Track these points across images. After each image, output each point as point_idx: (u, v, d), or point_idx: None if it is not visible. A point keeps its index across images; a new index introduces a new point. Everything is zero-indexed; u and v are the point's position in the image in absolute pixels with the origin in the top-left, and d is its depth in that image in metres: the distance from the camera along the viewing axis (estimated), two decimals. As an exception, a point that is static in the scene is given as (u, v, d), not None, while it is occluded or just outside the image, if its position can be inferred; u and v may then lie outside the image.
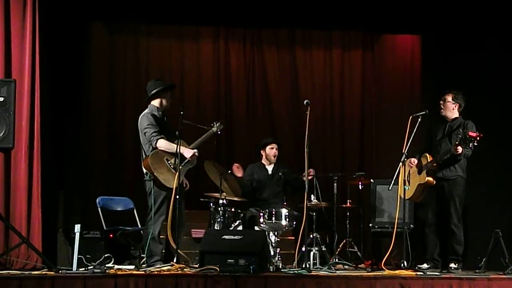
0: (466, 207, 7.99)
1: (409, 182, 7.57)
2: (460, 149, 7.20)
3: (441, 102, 7.65)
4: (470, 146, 7.09)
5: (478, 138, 7.02)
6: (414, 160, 7.60)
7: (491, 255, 7.49)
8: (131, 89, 9.85)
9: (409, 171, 7.59)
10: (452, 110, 7.62)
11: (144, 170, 7.17)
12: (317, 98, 10.03)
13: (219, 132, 7.53)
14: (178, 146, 7.06)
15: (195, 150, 7.21)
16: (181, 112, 7.11)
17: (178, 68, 10.03)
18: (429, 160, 7.49)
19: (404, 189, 7.33)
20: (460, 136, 7.24)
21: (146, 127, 7.16)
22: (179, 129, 7.08)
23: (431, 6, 8.95)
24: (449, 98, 7.61)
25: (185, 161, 7.13)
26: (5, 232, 7.32)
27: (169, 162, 7.12)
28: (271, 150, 8.74)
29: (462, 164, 7.48)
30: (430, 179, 7.48)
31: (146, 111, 7.35)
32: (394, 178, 7.41)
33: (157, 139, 7.10)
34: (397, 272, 6.91)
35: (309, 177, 8.15)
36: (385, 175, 8.18)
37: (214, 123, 7.51)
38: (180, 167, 7.02)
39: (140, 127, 7.24)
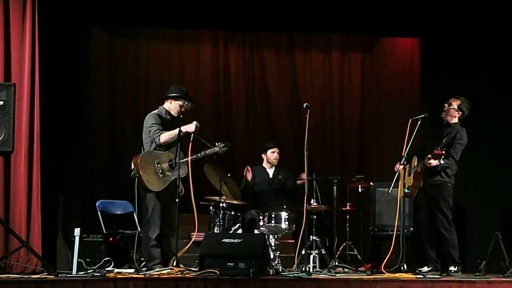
0: (465, 209, 8.01)
1: (401, 180, 7.59)
2: (433, 162, 7.22)
3: (446, 104, 7.63)
4: (442, 162, 7.15)
5: (442, 156, 7.08)
6: (397, 165, 7.56)
7: (491, 258, 7.49)
8: (130, 92, 9.87)
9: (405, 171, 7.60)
10: (452, 116, 7.60)
11: (132, 166, 7.11)
12: (316, 101, 10.04)
13: (220, 153, 7.49)
14: (177, 152, 7.04)
15: (195, 122, 7.14)
16: (181, 116, 7.11)
17: (177, 71, 10.04)
18: (415, 164, 7.50)
19: (404, 192, 7.34)
20: (436, 147, 7.25)
21: (151, 126, 7.14)
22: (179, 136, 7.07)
23: (430, 9, 8.95)
24: (455, 104, 7.57)
25: (192, 136, 7.06)
26: (5, 235, 7.32)
27: (158, 166, 7.06)
28: (272, 154, 8.75)
29: (447, 170, 7.44)
30: (416, 182, 7.47)
31: (154, 111, 7.35)
32: (394, 181, 7.41)
33: (159, 135, 7.08)
34: (397, 275, 6.91)
35: (301, 181, 8.21)
36: (385, 178, 8.18)
37: (219, 143, 7.47)
38: (169, 173, 7.03)
39: (145, 125, 7.23)
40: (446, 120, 7.62)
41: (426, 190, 7.54)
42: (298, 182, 8.49)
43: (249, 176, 8.56)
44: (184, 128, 7.07)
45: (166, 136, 7.09)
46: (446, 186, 7.46)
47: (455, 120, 7.60)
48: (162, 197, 7.07)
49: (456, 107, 7.58)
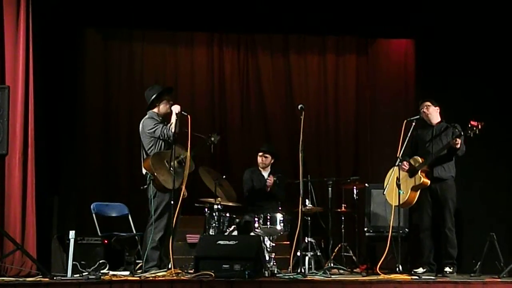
0: (460, 210, 8.01)
1: (399, 187, 7.58)
2: (459, 141, 7.26)
3: (424, 111, 7.68)
4: (471, 135, 7.16)
5: (479, 127, 7.10)
6: (406, 163, 7.58)
7: (486, 258, 7.50)
8: (125, 95, 9.85)
9: (399, 176, 7.58)
10: (437, 114, 7.68)
11: (144, 171, 7.18)
12: (311, 103, 10.05)
13: (215, 143, 7.58)
14: (173, 151, 7.07)
15: (177, 106, 7.23)
16: (185, 113, 7.15)
17: (172, 73, 10.03)
18: (421, 162, 7.51)
19: (399, 193, 7.33)
20: (457, 130, 7.29)
21: (155, 127, 7.21)
22: (176, 131, 7.14)
23: (424, 11, 8.97)
24: (431, 104, 7.68)
25: (177, 115, 7.15)
26: (-1, 238, 7.31)
27: (170, 164, 7.12)
28: (259, 158, 8.80)
29: (453, 164, 7.52)
30: (426, 180, 7.48)
31: (146, 116, 7.39)
32: (389, 182, 7.41)
33: (169, 128, 7.14)
34: (392, 276, 6.92)
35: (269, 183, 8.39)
36: (380, 179, 8.18)
37: (211, 134, 7.58)
38: (176, 163, 7.09)
39: (145, 130, 7.27)
40: (432, 121, 7.68)
41: (428, 189, 7.53)
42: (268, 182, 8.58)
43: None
44: (174, 111, 7.18)
45: (173, 127, 7.15)
46: (453, 185, 7.52)
47: (439, 117, 7.70)
48: (169, 198, 7.08)
49: (432, 105, 7.68)
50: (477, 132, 7.13)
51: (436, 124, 7.66)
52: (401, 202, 7.46)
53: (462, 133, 7.23)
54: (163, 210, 7.10)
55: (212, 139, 7.54)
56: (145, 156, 7.29)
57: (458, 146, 7.32)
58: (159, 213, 7.10)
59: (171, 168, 7.09)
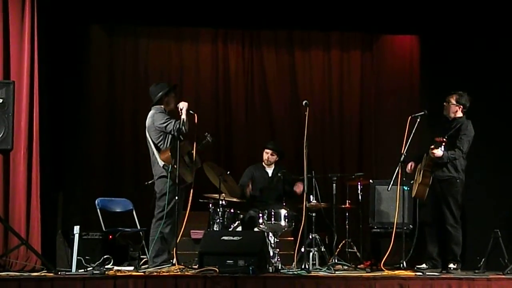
0: (464, 207, 7.99)
1: (415, 180, 7.66)
2: (437, 152, 7.26)
3: (445, 103, 7.69)
4: (443, 151, 7.25)
5: (443, 143, 7.17)
6: (411, 164, 7.60)
7: (490, 255, 7.49)
8: (130, 91, 9.86)
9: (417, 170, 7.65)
10: (454, 112, 7.67)
11: (162, 163, 7.12)
12: (316, 99, 10.03)
13: (210, 141, 7.65)
14: (177, 149, 7.07)
15: (185, 102, 7.21)
16: (191, 112, 7.17)
17: (177, 69, 10.03)
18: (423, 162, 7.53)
19: (403, 189, 7.34)
20: (437, 140, 7.31)
21: (167, 122, 7.15)
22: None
23: (429, 7, 8.95)
24: (453, 100, 7.65)
25: (185, 116, 7.12)
26: (4, 233, 7.33)
27: (184, 158, 7.14)
28: (265, 155, 8.81)
29: (456, 164, 7.50)
30: (426, 179, 7.49)
31: (153, 111, 7.33)
32: (393, 178, 7.41)
33: (181, 123, 7.08)
34: (396, 272, 6.91)
35: (298, 190, 8.32)
36: (384, 176, 8.18)
37: (207, 133, 7.64)
38: (177, 162, 7.09)
39: (155, 124, 7.21)
40: (449, 117, 7.67)
41: (433, 186, 7.54)
42: (295, 190, 8.53)
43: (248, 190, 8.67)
44: (181, 107, 7.14)
45: (185, 122, 7.11)
46: (455, 183, 7.51)
47: (459, 114, 7.68)
48: (180, 193, 7.09)
49: (454, 102, 7.65)
50: (443, 146, 7.24)
51: (451, 120, 7.66)
52: (413, 195, 7.61)
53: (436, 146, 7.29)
54: (174, 205, 7.07)
55: (209, 138, 7.58)
56: (155, 150, 7.26)
57: (436, 155, 7.32)
58: (171, 208, 7.07)
59: (186, 162, 7.13)
